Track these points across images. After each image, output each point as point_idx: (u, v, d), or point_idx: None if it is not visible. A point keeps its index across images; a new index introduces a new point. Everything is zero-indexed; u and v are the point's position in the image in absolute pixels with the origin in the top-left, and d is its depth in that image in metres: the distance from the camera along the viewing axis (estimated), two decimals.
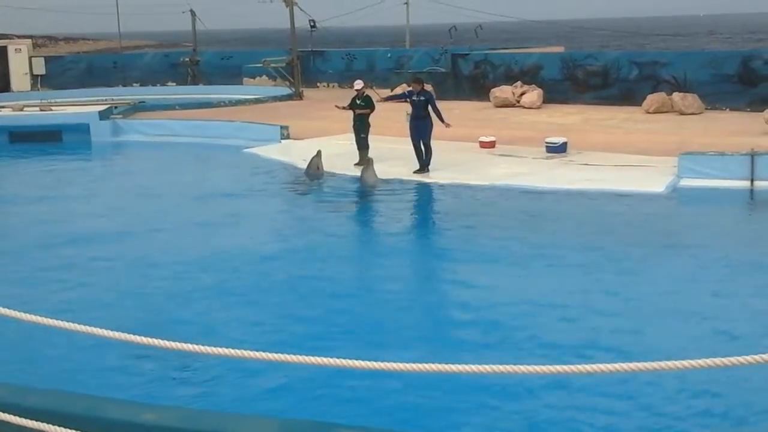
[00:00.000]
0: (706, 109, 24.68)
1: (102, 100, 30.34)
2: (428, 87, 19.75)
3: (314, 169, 17.93)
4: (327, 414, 7.03)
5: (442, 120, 17.33)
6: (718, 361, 3.42)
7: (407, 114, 17.92)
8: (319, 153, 18.12)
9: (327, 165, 18.10)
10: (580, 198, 15.26)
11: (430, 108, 17.40)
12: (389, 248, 13.05)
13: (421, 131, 17.43)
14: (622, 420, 7.09)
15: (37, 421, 3.72)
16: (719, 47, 66.80)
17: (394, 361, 3.74)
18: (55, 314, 4.32)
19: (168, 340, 3.98)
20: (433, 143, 17.58)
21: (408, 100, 17.73)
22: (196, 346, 3.92)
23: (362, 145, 18.48)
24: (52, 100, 29.89)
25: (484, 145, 19.80)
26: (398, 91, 29.17)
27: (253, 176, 18.59)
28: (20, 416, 3.75)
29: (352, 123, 18.72)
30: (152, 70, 40.40)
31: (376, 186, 16.67)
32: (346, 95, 20.30)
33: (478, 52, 31.87)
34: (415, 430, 7.03)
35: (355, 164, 18.26)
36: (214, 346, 3.96)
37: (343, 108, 18.83)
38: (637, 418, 7.10)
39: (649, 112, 24.84)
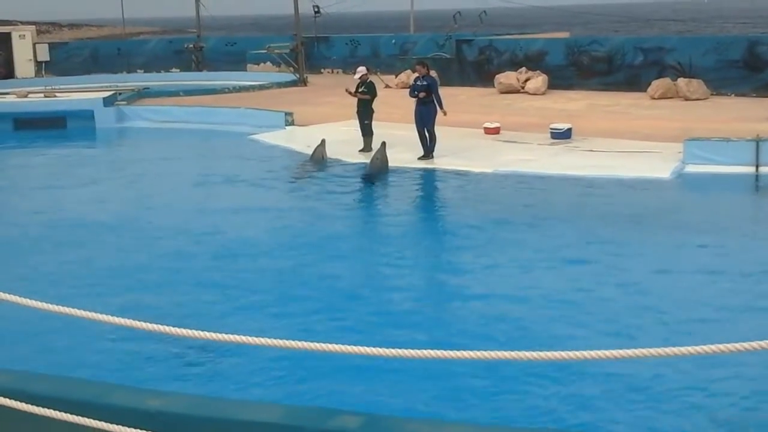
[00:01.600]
0: (712, 94, 24.58)
1: (106, 87, 30.35)
2: (433, 73, 19.69)
3: (318, 157, 17.94)
4: (332, 400, 7.05)
5: (440, 107, 17.28)
6: (714, 347, 3.42)
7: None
8: (323, 142, 18.11)
9: (331, 152, 18.09)
10: (585, 184, 15.24)
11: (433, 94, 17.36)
12: (394, 235, 13.06)
13: (424, 117, 17.39)
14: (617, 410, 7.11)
15: (43, 407, 3.74)
16: (728, 31, 66.50)
17: (401, 347, 3.74)
18: (61, 301, 4.33)
19: (174, 326, 3.99)
20: (438, 129, 17.55)
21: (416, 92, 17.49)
22: (202, 333, 3.92)
23: (366, 131, 18.47)
24: (57, 87, 29.87)
25: (489, 131, 19.76)
26: (403, 77, 29.22)
27: (257, 163, 18.59)
28: (26, 402, 3.77)
29: (355, 109, 18.73)
30: (156, 56, 40.30)
31: (380, 168, 16.62)
32: (350, 81, 20.27)
33: (483, 38, 31.75)
34: (418, 417, 7.03)
35: (360, 150, 18.26)
36: (221, 333, 3.97)
37: (350, 93, 18.79)
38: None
39: (654, 98, 24.76)
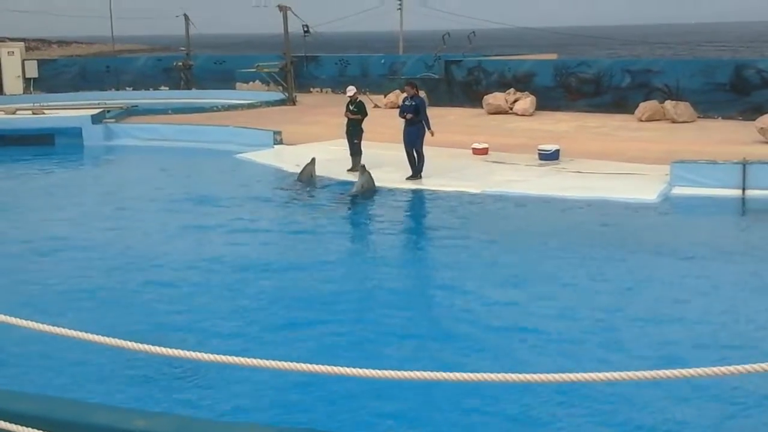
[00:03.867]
0: (699, 117, 24.74)
1: (95, 104, 30.31)
2: (422, 93, 19.75)
3: (307, 176, 17.95)
4: (320, 422, 7.02)
5: (428, 127, 17.29)
6: (709, 370, 3.42)
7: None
8: (313, 160, 18.12)
9: (320, 171, 18.10)
10: (572, 206, 15.27)
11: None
12: (381, 255, 13.04)
13: (412, 137, 17.42)
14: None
15: (27, 427, 3.70)
16: (714, 55, 67.04)
17: (388, 369, 3.74)
18: (43, 319, 4.30)
19: (160, 346, 3.97)
20: (426, 150, 17.59)
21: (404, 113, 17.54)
22: (188, 353, 3.90)
23: (355, 150, 18.49)
24: (45, 104, 29.83)
25: (477, 151, 19.82)
26: (392, 97, 29.36)
27: (245, 181, 18.56)
28: (10, 422, 3.73)
29: (345, 129, 18.75)
30: (145, 74, 40.38)
31: (365, 191, 16.64)
32: (340, 101, 20.30)
33: (472, 59, 31.91)
34: None
35: (348, 170, 18.27)
36: (206, 353, 3.95)
37: (345, 115, 18.75)
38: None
39: (641, 120, 24.90)
